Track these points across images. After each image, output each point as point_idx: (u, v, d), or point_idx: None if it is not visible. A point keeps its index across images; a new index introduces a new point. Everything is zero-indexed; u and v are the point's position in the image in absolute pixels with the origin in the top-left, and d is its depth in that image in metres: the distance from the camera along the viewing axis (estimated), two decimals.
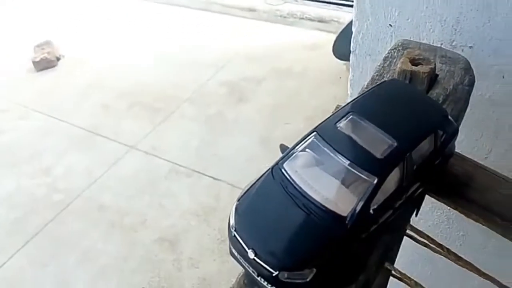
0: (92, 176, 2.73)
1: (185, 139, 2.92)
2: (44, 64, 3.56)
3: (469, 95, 0.68)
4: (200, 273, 2.23)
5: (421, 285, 0.84)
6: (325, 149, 0.54)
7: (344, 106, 0.57)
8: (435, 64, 0.66)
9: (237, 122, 3.00)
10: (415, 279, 0.85)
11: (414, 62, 0.66)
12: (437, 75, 0.68)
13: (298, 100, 3.11)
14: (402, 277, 0.82)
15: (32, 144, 3.00)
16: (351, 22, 2.89)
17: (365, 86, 0.68)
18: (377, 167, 0.51)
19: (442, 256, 0.87)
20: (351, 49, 0.94)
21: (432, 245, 0.83)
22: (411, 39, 0.87)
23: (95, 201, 2.59)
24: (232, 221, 0.52)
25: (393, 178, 0.52)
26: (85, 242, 2.39)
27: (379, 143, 0.53)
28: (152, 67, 3.54)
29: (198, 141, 2.90)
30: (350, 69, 0.96)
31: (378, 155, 0.52)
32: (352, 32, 2.89)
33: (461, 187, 0.60)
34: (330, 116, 0.55)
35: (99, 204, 2.57)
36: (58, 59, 3.65)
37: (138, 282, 2.21)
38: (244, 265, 0.51)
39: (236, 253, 0.52)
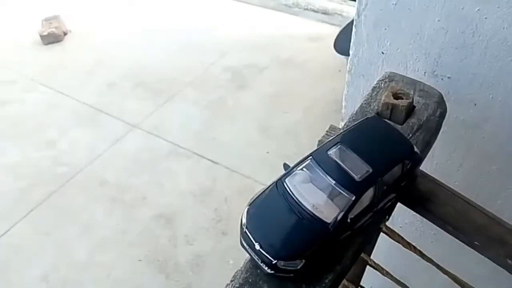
0: (95, 152, 2.85)
1: (186, 121, 3.04)
2: (51, 39, 3.65)
3: (440, 124, 0.82)
4: (194, 250, 2.36)
5: (391, 275, 1.00)
6: (318, 170, 0.69)
7: (335, 136, 0.72)
8: (413, 98, 0.79)
9: (237, 108, 3.12)
10: (387, 269, 1.00)
11: (396, 95, 0.79)
12: (414, 107, 0.81)
13: (298, 90, 3.22)
14: (376, 267, 0.97)
15: (38, 117, 3.11)
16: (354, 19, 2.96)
17: (354, 112, 0.81)
18: (355, 187, 0.68)
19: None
20: (347, 69, 1.07)
21: (402, 243, 0.97)
22: (399, 66, 1.00)
23: (97, 176, 2.71)
24: (244, 220, 0.69)
25: (367, 196, 0.69)
26: (87, 214, 2.52)
27: (358, 168, 0.69)
28: (158, 48, 3.64)
29: (199, 124, 3.01)
30: (346, 86, 1.09)
31: (357, 177, 0.68)
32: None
33: (425, 201, 0.75)
34: (324, 143, 0.70)
35: (101, 179, 2.69)
36: (65, 34, 3.74)
37: (135, 254, 2.35)
38: (251, 254, 0.68)
39: (245, 245, 0.69)
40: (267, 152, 2.82)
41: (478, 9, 0.86)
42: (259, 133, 2.95)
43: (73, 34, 3.82)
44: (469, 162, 1.08)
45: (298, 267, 0.66)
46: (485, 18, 0.86)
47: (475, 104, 0.97)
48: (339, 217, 0.66)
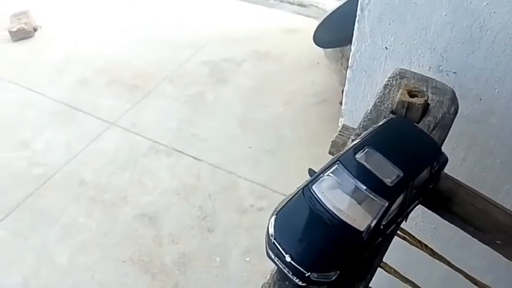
0: (72, 151, 2.77)
1: (164, 117, 2.98)
2: (21, 35, 3.53)
3: (453, 122, 0.81)
4: (180, 248, 2.33)
5: (398, 272, 0.98)
6: (346, 175, 0.67)
7: (361, 139, 0.69)
8: (428, 96, 0.77)
9: (217, 103, 3.08)
10: (390, 265, 0.99)
11: (411, 93, 0.77)
12: (428, 104, 0.80)
13: (277, 83, 3.20)
14: (383, 265, 0.96)
15: (9, 116, 3.00)
16: (334, 11, 2.94)
17: (368, 111, 0.79)
18: (387, 192, 0.65)
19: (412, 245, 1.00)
20: (349, 65, 1.05)
21: (410, 240, 0.96)
22: (403, 61, 0.98)
23: (75, 176, 2.64)
24: (272, 231, 0.66)
25: (398, 201, 0.66)
26: (66, 216, 2.45)
27: (389, 172, 0.67)
28: (131, 44, 3.55)
29: (178, 120, 2.96)
30: (346, 82, 1.07)
31: (389, 183, 0.66)
32: (334, 21, 2.93)
33: (447, 202, 0.74)
34: (350, 147, 0.67)
35: (80, 179, 2.62)
36: (35, 30, 3.62)
37: (119, 256, 2.29)
38: (280, 265, 0.65)
39: (273, 256, 0.65)
40: (250, 147, 2.79)
41: (487, 3, 0.85)
42: (240, 128, 2.92)
43: (43, 30, 3.70)
44: (472, 157, 1.08)
45: (332, 279, 0.63)
46: (494, 12, 0.85)
47: (480, 99, 0.96)
48: (372, 225, 0.64)
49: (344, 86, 3.15)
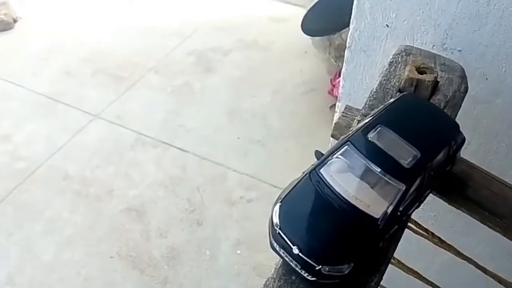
0: (55, 144, 2.69)
1: (150, 109, 2.91)
2: (1, 26, 3.41)
3: (463, 100, 0.76)
4: (168, 242, 2.27)
5: (402, 263, 0.94)
6: (358, 157, 0.60)
7: (372, 117, 0.63)
8: (437, 72, 0.72)
9: (204, 93, 3.01)
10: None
11: (419, 70, 0.72)
12: (437, 82, 0.74)
13: (265, 72, 3.14)
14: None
15: None
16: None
17: (374, 90, 0.74)
18: (405, 175, 0.59)
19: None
20: (347, 45, 0.99)
21: (416, 228, 0.91)
22: (405, 39, 0.93)
23: (59, 169, 2.56)
24: (276, 220, 0.59)
25: (415, 184, 0.60)
26: (50, 211, 2.37)
27: (405, 153, 0.60)
28: (115, 34, 3.46)
29: (164, 111, 2.89)
30: (344, 63, 1.01)
31: (405, 164, 0.59)
32: (322, 9, 2.88)
33: (461, 186, 0.69)
34: (360, 126, 0.61)
35: (64, 173, 2.55)
36: (15, 21, 3.50)
37: (105, 251, 2.23)
38: (286, 258, 0.58)
39: (278, 248, 0.59)
40: (238, 138, 2.74)
41: None
42: (227, 118, 2.86)
43: (24, 20, 3.58)
44: (477, 139, 1.03)
45: (346, 272, 0.57)
46: None
47: (486, 78, 0.91)
48: (389, 211, 0.58)
49: (332, 75, 3.11)
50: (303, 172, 0.63)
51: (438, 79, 0.74)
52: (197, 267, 2.20)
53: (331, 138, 1.09)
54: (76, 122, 2.82)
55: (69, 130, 2.76)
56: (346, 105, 0.75)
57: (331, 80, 2.89)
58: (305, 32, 2.89)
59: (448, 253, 1.03)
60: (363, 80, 1.01)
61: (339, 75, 2.82)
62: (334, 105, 2.85)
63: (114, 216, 2.37)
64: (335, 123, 0.74)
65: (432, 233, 0.84)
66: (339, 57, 2.96)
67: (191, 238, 2.29)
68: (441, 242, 0.83)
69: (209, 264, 2.21)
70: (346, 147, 0.61)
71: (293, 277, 0.59)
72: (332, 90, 2.83)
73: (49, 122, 2.82)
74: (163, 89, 3.03)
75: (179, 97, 2.98)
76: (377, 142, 0.61)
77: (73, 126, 2.79)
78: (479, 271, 1.01)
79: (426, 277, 0.99)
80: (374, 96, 0.73)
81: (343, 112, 0.74)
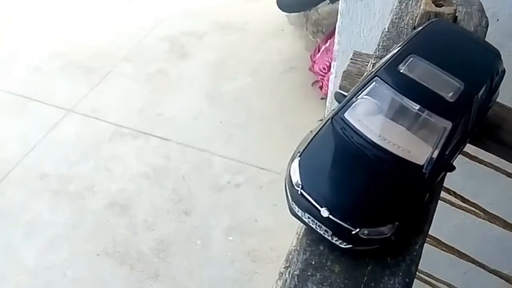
0: (29, 143, 2.56)
1: (126, 99, 2.80)
2: None
3: (485, 36, 0.68)
4: (156, 235, 2.19)
5: None
6: (389, 94, 0.50)
7: (400, 46, 0.53)
8: (456, 5, 0.64)
9: (181, 80, 2.91)
10: None
11: (436, 3, 0.64)
12: (456, 17, 0.66)
13: (242, 54, 3.05)
14: None
15: None
16: None
17: (386, 30, 0.65)
18: (450, 111, 0.50)
19: None
20: None
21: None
22: None
23: (35, 169, 2.44)
24: (297, 178, 0.49)
25: (462, 122, 0.51)
26: (30, 213, 2.27)
27: (446, 85, 0.51)
28: (83, 23, 3.31)
29: (141, 101, 2.78)
30: (339, 16, 0.92)
31: (449, 98, 0.50)
32: None
33: (493, 129, 0.61)
34: (388, 59, 0.52)
35: (40, 173, 2.43)
36: None
37: (91, 249, 2.14)
38: (312, 224, 0.48)
39: (301, 212, 0.49)
40: (220, 122, 2.65)
41: None
42: (207, 103, 2.77)
43: None
44: None
45: (389, 234, 0.47)
46: None
47: (497, 20, 0.84)
48: (434, 156, 0.48)
49: (311, 51, 3.03)
50: (320, 120, 0.53)
51: (457, 14, 0.66)
52: (188, 258, 2.12)
53: (330, 101, 1.01)
54: (48, 119, 2.69)
55: (42, 128, 2.64)
56: (355, 51, 0.66)
57: (310, 56, 2.82)
58: (280, 8, 2.82)
59: (457, 217, 0.96)
60: (361, 33, 0.92)
61: (319, 51, 2.76)
62: (316, 81, 2.80)
63: (97, 212, 2.27)
64: (344, 71, 0.65)
65: (454, 192, 0.76)
66: (317, 32, 2.89)
67: (180, 228, 2.21)
68: (464, 201, 0.75)
69: (201, 254, 2.14)
70: (373, 83, 0.51)
71: (321, 247, 0.48)
72: (313, 66, 2.76)
73: (21, 121, 2.69)
74: (138, 78, 2.92)
75: (155, 85, 2.88)
76: (411, 75, 0.51)
77: (46, 123, 2.66)
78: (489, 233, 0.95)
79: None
80: (387, 36, 0.64)
81: (351, 59, 0.66)
